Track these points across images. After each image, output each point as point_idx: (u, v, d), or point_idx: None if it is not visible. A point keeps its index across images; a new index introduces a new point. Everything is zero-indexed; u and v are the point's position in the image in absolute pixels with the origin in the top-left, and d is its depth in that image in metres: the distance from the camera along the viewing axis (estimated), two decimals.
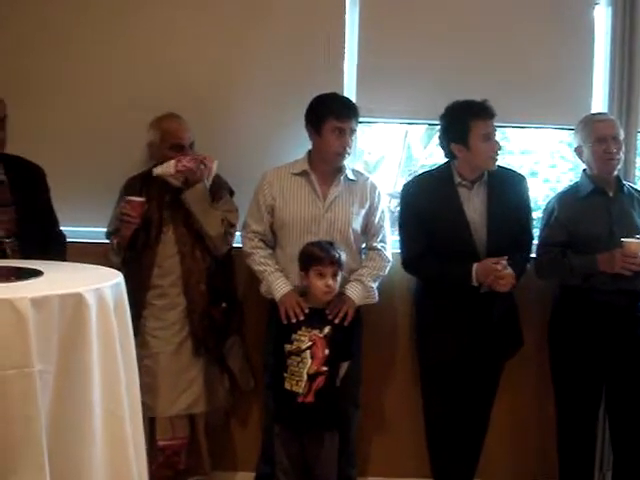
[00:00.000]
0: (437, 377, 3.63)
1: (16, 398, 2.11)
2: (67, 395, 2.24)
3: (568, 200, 3.62)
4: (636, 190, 3.67)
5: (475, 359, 3.53)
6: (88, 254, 3.44)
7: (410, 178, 3.89)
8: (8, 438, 2.11)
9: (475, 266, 3.37)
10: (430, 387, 3.69)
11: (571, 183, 3.78)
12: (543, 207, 3.77)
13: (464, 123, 3.42)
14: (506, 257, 3.34)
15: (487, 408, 3.73)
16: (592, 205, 3.54)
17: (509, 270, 3.34)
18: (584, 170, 3.64)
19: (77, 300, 2.23)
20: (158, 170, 3.47)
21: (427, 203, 3.51)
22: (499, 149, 3.48)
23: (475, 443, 3.76)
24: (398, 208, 3.71)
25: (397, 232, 3.64)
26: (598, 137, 3.50)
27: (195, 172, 3.45)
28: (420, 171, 4.14)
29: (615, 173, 3.57)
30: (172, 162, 3.45)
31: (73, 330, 2.24)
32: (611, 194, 3.56)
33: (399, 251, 3.60)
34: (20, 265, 2.68)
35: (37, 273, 2.50)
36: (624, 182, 3.62)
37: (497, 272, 3.33)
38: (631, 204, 3.57)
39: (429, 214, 3.49)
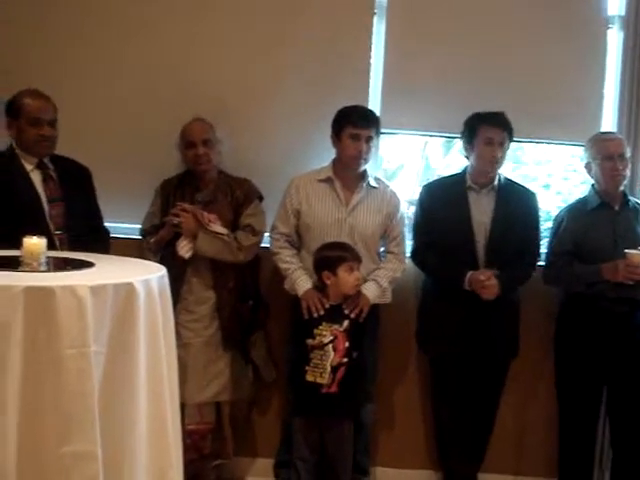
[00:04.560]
0: (442, 372, 3.86)
1: (73, 375, 2.30)
2: (116, 375, 2.45)
3: (576, 212, 3.82)
4: None
5: (475, 358, 3.75)
6: (125, 248, 3.69)
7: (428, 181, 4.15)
8: (64, 412, 2.31)
9: (469, 274, 3.62)
10: (437, 382, 3.93)
11: (580, 196, 3.97)
12: (553, 217, 3.98)
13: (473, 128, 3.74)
14: (496, 272, 3.60)
15: (493, 406, 3.93)
16: (598, 218, 3.74)
17: (493, 282, 3.58)
18: (592, 185, 3.83)
19: (129, 289, 2.45)
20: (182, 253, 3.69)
21: (437, 202, 3.78)
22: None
23: (481, 439, 3.97)
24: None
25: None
26: (605, 155, 3.70)
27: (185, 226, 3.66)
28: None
29: (621, 189, 3.77)
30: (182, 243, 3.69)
31: (124, 316, 2.45)
32: (616, 208, 3.76)
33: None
34: (72, 257, 2.91)
35: (89, 264, 2.73)
36: (629, 197, 3.82)
37: (482, 282, 3.58)
38: (635, 218, 3.76)
39: (438, 212, 3.75)
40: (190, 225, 3.65)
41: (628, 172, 3.78)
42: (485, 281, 3.58)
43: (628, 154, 3.78)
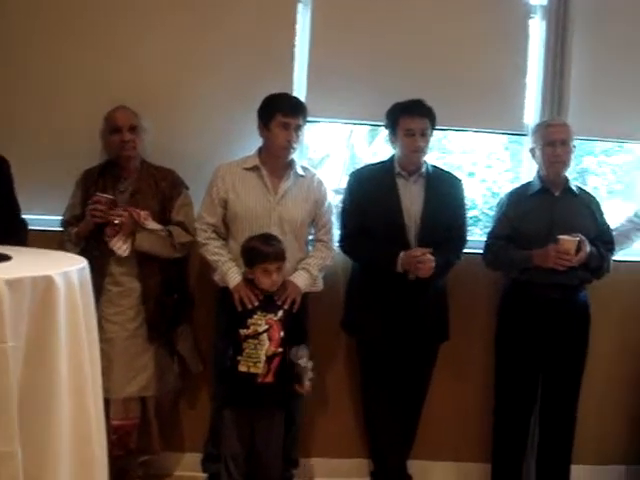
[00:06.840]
0: (371, 358, 3.85)
1: None
2: (36, 371, 2.35)
3: (517, 197, 3.87)
4: (586, 192, 3.90)
5: (404, 343, 3.74)
6: (44, 241, 3.56)
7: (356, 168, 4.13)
8: None
9: (401, 254, 3.61)
10: (365, 368, 3.92)
11: (524, 182, 4.02)
12: (497, 202, 4.02)
13: (394, 120, 3.72)
14: (430, 250, 3.58)
15: (422, 391, 3.95)
16: (537, 203, 3.78)
17: (429, 257, 3.57)
18: (538, 171, 3.87)
19: (48, 282, 2.35)
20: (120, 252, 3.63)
21: (367, 188, 3.76)
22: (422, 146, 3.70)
23: (410, 425, 3.99)
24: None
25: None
26: (547, 141, 3.74)
27: (123, 224, 3.59)
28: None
29: (564, 175, 3.80)
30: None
31: (43, 310, 2.35)
32: (557, 194, 3.79)
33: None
34: None
35: (6, 257, 2.62)
36: (573, 184, 3.83)
37: (417, 258, 3.57)
38: (577, 205, 3.79)
39: (368, 199, 3.73)
40: (129, 224, 3.58)
41: (571, 158, 3.80)
42: (420, 256, 3.57)
43: (572, 141, 3.78)
